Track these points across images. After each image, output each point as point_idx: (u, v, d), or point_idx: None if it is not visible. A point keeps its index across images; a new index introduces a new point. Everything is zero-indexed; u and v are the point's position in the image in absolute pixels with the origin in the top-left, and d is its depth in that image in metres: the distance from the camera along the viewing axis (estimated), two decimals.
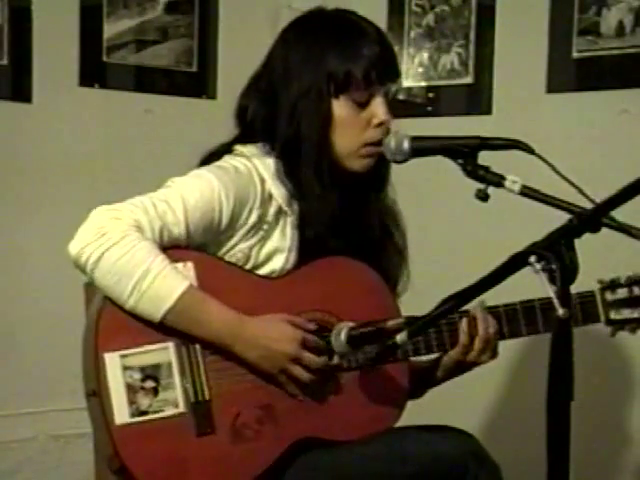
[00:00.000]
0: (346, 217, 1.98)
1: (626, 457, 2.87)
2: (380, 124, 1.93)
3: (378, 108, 1.93)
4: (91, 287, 1.93)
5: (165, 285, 1.80)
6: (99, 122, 3.23)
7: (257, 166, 1.93)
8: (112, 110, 3.25)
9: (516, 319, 1.95)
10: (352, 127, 1.93)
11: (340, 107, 1.93)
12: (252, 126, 2.00)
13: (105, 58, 3.22)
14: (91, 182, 3.17)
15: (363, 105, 1.93)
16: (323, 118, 1.92)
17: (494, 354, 1.96)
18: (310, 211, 1.94)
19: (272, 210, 1.94)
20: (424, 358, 2.03)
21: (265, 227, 1.93)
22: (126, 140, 3.28)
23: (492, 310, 1.95)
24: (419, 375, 2.03)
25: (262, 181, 1.93)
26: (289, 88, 1.94)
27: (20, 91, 3.08)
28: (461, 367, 1.98)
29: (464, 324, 1.92)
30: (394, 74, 1.99)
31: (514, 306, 1.95)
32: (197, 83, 3.42)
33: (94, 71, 3.21)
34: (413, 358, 1.98)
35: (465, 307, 1.85)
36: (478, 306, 1.92)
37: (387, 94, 1.95)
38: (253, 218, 1.92)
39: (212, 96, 3.44)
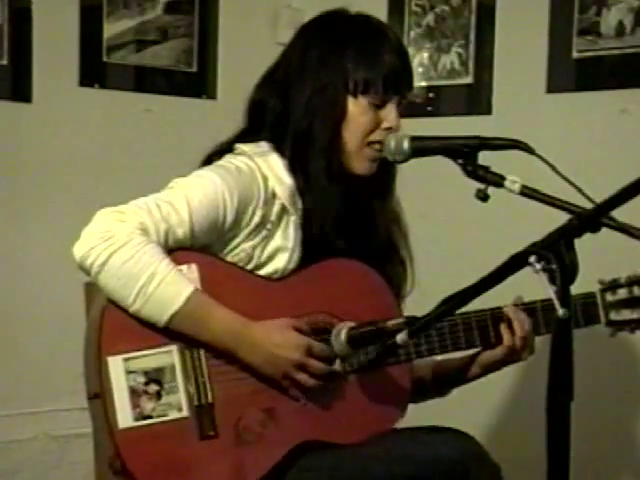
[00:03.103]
0: (351, 218, 1.99)
1: (626, 457, 2.87)
2: (389, 128, 1.94)
3: (390, 113, 1.95)
4: (91, 287, 1.93)
5: (170, 290, 1.80)
6: (99, 122, 3.23)
7: (260, 165, 1.93)
8: (112, 110, 3.26)
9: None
10: (363, 126, 1.95)
11: (356, 106, 1.95)
12: (263, 119, 2.00)
13: (105, 58, 3.22)
14: (91, 182, 3.17)
15: (378, 107, 1.95)
16: (337, 115, 1.94)
17: (532, 350, 1.97)
18: (316, 205, 1.94)
19: (275, 209, 1.94)
20: (455, 355, 2.03)
21: (268, 226, 1.93)
22: (126, 140, 3.28)
23: (528, 306, 1.95)
24: (449, 373, 2.05)
25: (265, 180, 1.93)
26: (305, 84, 1.95)
27: (20, 91, 3.08)
28: (501, 365, 2.00)
29: (503, 326, 1.94)
30: (410, 85, 2.02)
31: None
32: (197, 83, 3.43)
33: (94, 71, 3.21)
34: (444, 356, 1.98)
35: (499, 306, 1.92)
36: (509, 305, 1.94)
37: (400, 102, 1.98)
38: (257, 218, 1.92)
39: (212, 96, 3.44)
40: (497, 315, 1.95)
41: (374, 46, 1.96)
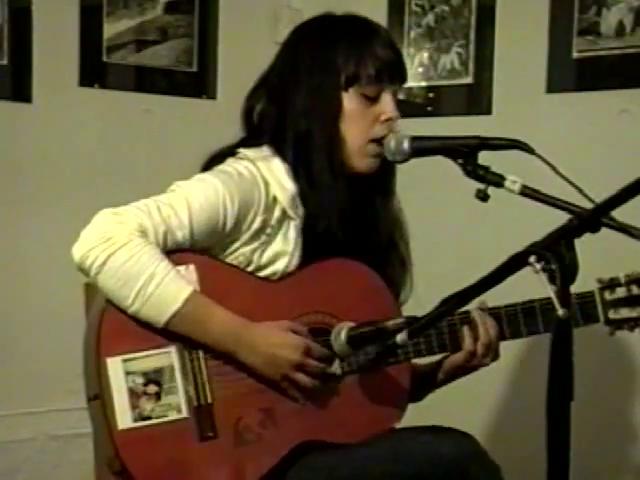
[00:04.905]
0: (353, 217, 1.98)
1: (627, 457, 2.87)
2: (387, 120, 1.94)
3: (387, 104, 1.95)
4: (91, 287, 1.93)
5: (169, 290, 1.80)
6: (99, 122, 3.23)
7: (261, 170, 1.93)
8: (112, 110, 3.25)
9: (516, 320, 1.95)
10: (361, 121, 1.95)
11: (350, 100, 1.94)
12: (260, 126, 2.00)
13: (105, 58, 3.22)
14: (91, 182, 3.17)
15: (372, 100, 1.95)
16: (334, 112, 1.94)
17: (496, 356, 1.97)
18: (320, 203, 1.94)
19: (276, 214, 1.94)
20: (424, 361, 2.03)
21: (268, 231, 1.93)
22: (126, 140, 3.28)
23: (493, 311, 1.95)
24: (420, 378, 2.03)
25: (266, 185, 1.93)
26: (300, 85, 1.95)
27: (20, 91, 3.08)
28: (464, 371, 1.99)
29: (466, 330, 1.93)
30: (403, 77, 2.01)
31: (514, 307, 1.95)
32: (197, 83, 3.43)
33: (94, 71, 3.21)
34: (413, 361, 1.98)
35: (466, 309, 1.87)
36: (476, 309, 1.92)
37: (395, 94, 1.97)
38: (257, 223, 1.91)
39: (212, 96, 3.44)
40: (465, 319, 1.94)
41: (365, 41, 1.95)
